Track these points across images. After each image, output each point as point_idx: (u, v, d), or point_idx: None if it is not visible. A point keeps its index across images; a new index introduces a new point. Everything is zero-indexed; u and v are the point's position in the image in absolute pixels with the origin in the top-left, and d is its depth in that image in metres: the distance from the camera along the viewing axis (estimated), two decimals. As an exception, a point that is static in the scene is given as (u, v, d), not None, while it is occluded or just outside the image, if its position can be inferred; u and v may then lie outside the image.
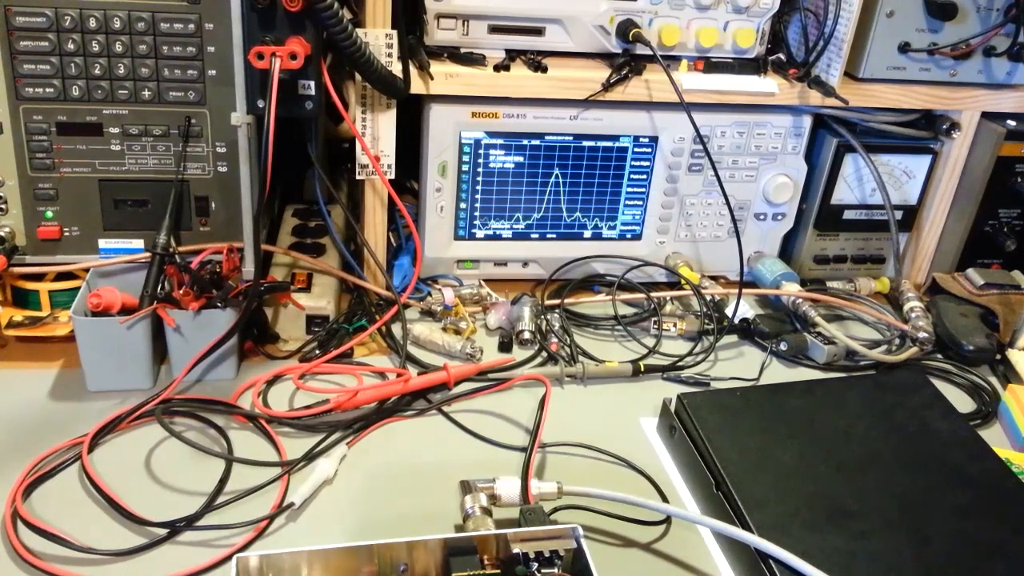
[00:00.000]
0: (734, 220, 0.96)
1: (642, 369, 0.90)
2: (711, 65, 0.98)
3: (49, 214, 0.83)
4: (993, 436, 0.87)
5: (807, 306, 0.98)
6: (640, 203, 1.04)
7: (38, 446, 0.73)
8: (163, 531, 0.66)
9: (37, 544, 0.64)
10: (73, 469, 0.72)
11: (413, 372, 0.86)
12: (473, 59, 0.92)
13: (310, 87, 0.80)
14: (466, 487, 0.68)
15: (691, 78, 0.96)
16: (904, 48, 0.98)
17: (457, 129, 0.95)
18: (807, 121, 1.02)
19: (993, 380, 0.95)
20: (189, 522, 0.66)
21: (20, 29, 0.76)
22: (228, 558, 0.63)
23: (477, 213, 1.01)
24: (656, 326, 0.98)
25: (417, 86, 0.90)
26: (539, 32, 0.94)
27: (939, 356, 0.99)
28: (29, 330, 0.84)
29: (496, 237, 1.03)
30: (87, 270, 0.84)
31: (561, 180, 1.01)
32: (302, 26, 0.76)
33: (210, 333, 0.80)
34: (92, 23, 0.77)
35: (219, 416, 0.79)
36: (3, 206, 0.82)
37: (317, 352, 0.89)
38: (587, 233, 1.05)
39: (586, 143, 0.99)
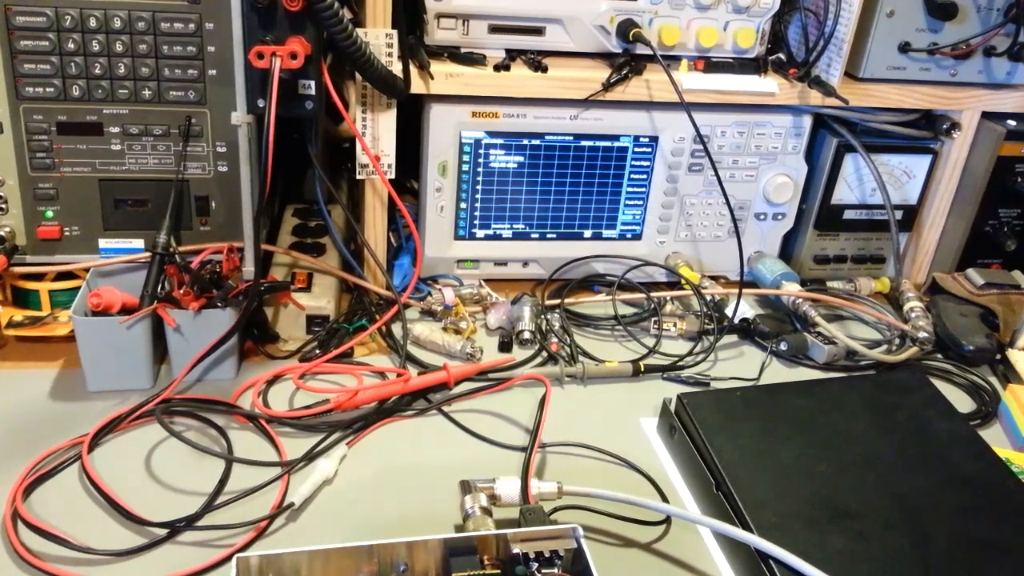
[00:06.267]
0: (734, 220, 0.96)
1: (642, 369, 0.90)
2: (711, 65, 0.98)
3: (49, 214, 0.83)
4: (993, 436, 0.87)
5: (807, 306, 0.98)
6: (640, 203, 1.04)
7: (38, 446, 0.73)
8: (163, 531, 0.66)
9: (37, 544, 0.64)
10: (73, 469, 0.72)
11: (413, 372, 0.86)
12: (473, 59, 0.92)
13: (310, 87, 0.80)
14: (466, 487, 0.68)
15: (691, 78, 0.96)
16: (904, 48, 0.98)
17: (457, 129, 0.95)
18: (807, 121, 1.02)
19: (993, 380, 0.95)
20: (189, 522, 0.66)
21: (20, 28, 0.76)
22: (228, 558, 0.63)
23: (477, 213, 1.01)
24: (656, 326, 0.98)
25: (417, 86, 0.90)
26: (539, 32, 0.94)
27: (939, 356, 0.99)
28: (29, 330, 0.84)
29: (496, 237, 1.03)
30: (87, 270, 0.84)
31: (561, 180, 1.01)
32: (302, 26, 0.76)
33: (210, 333, 0.80)
34: (92, 23, 0.77)
35: (219, 416, 0.79)
36: (3, 206, 0.82)
37: (317, 352, 0.89)
38: (587, 233, 1.05)
39: (586, 143, 0.99)
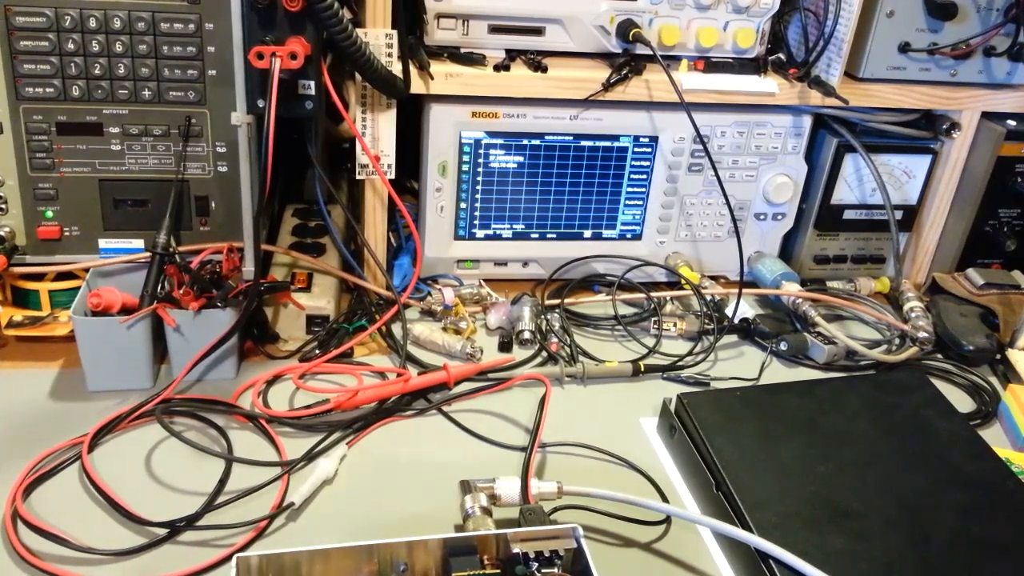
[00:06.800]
0: (734, 220, 0.96)
1: (642, 369, 0.90)
2: (711, 65, 0.98)
3: (49, 214, 0.83)
4: (993, 436, 0.87)
5: (807, 306, 0.98)
6: (640, 203, 1.04)
7: (38, 446, 0.73)
8: (163, 531, 0.66)
9: (37, 544, 0.64)
10: (73, 469, 0.72)
11: (413, 372, 0.86)
12: (473, 59, 0.92)
13: (310, 87, 0.80)
14: (466, 487, 0.68)
15: (691, 78, 0.96)
16: (904, 48, 0.98)
17: (457, 129, 0.95)
18: (807, 121, 1.02)
19: (993, 380, 0.95)
20: (189, 522, 0.66)
21: (20, 29, 0.76)
22: (228, 558, 0.63)
23: (477, 213, 1.01)
24: (656, 326, 0.98)
25: (417, 86, 0.90)
26: (539, 32, 0.94)
27: (939, 356, 0.99)
28: (29, 330, 0.84)
29: (496, 237, 1.03)
30: (87, 270, 0.84)
31: (561, 180, 1.01)
32: (302, 26, 0.76)
33: (210, 333, 0.80)
34: (92, 23, 0.77)
35: (219, 416, 0.79)
36: (3, 206, 0.82)
37: (317, 352, 0.89)
38: (587, 233, 1.05)
39: (586, 143, 0.99)
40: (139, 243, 0.86)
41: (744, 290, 0.98)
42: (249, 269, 0.80)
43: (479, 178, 0.99)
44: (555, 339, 0.94)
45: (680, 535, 0.70)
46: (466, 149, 0.97)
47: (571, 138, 0.99)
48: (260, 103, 0.77)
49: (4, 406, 0.78)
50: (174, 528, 0.66)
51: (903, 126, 1.04)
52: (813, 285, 1.06)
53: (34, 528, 0.65)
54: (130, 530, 0.66)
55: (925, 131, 1.05)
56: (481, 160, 0.98)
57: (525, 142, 0.98)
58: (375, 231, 0.97)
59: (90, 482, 0.70)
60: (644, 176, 1.02)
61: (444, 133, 0.95)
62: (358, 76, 0.87)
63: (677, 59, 0.98)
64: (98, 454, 0.74)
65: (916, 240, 1.11)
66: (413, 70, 0.89)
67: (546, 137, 0.98)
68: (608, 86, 0.93)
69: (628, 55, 0.95)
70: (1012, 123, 1.04)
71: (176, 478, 0.72)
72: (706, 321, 0.98)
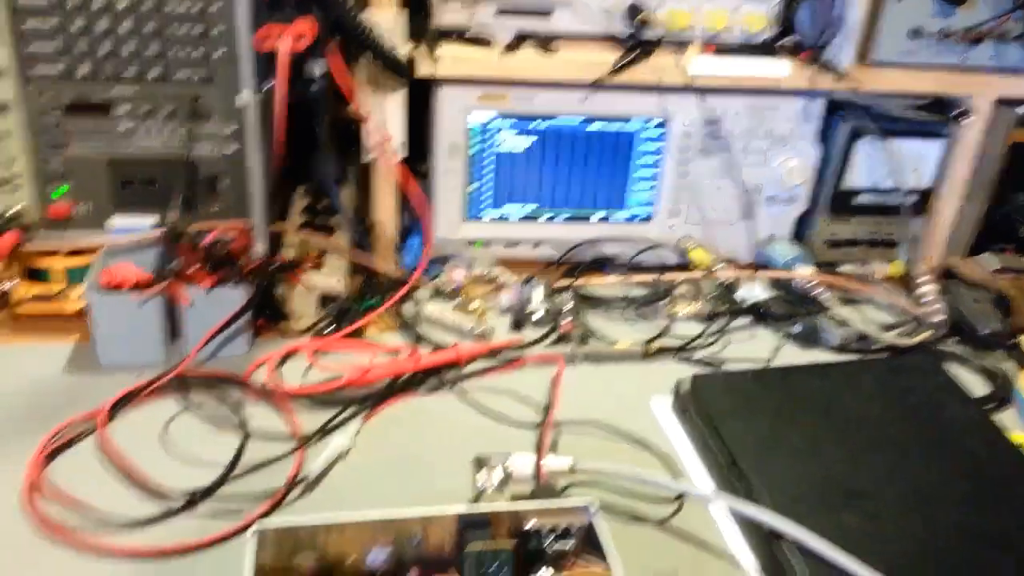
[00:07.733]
0: (746, 204, 0.96)
1: (654, 350, 0.90)
2: (721, 49, 0.97)
3: (59, 193, 0.83)
4: (1006, 421, 0.86)
5: (820, 289, 0.98)
6: (651, 186, 1.04)
7: (55, 419, 0.73)
8: (180, 502, 0.66)
9: (56, 513, 0.64)
10: (90, 441, 0.72)
11: (424, 352, 0.86)
12: (481, 41, 0.92)
13: (317, 68, 0.80)
14: (480, 463, 0.68)
15: (701, 62, 0.95)
16: (916, 33, 0.97)
17: (466, 111, 0.95)
18: (819, 105, 1.01)
19: (1006, 365, 0.95)
20: (206, 493, 0.67)
21: (28, 9, 0.76)
22: (244, 528, 0.63)
23: (486, 195, 1.01)
24: (668, 308, 0.97)
25: (425, 69, 0.90)
26: (547, 14, 0.94)
27: (952, 340, 0.99)
28: (42, 306, 0.85)
29: (506, 219, 1.03)
30: (98, 249, 0.84)
31: (571, 163, 1.01)
32: (309, 6, 0.76)
33: (223, 310, 0.80)
34: (99, 2, 0.77)
35: (233, 390, 0.79)
36: (17, 183, 0.82)
37: (329, 330, 0.88)
38: (597, 215, 1.05)
39: (596, 126, 0.99)
40: (150, 222, 0.86)
41: (756, 273, 0.98)
42: (259, 248, 0.80)
43: (488, 160, 0.99)
44: (566, 320, 0.94)
45: (693, 513, 0.70)
46: (475, 131, 0.97)
47: (580, 121, 0.98)
48: (268, 84, 0.77)
49: (20, 380, 0.78)
50: (191, 499, 0.66)
51: (915, 111, 1.04)
52: (826, 269, 1.06)
53: (53, 498, 0.65)
54: (147, 501, 0.66)
55: (938, 116, 1.05)
56: (490, 142, 0.98)
57: (534, 124, 0.98)
58: (385, 212, 0.97)
59: (107, 454, 0.70)
60: (655, 159, 1.02)
61: (453, 115, 0.95)
62: (366, 58, 0.87)
63: (687, 43, 0.97)
64: (115, 427, 0.74)
65: (929, 224, 1.11)
66: (420, 53, 0.88)
67: (555, 119, 0.98)
68: (617, 69, 0.93)
69: (637, 38, 0.95)
70: (1026, 108, 1.03)
71: (191, 451, 0.72)
72: (718, 304, 0.97)
